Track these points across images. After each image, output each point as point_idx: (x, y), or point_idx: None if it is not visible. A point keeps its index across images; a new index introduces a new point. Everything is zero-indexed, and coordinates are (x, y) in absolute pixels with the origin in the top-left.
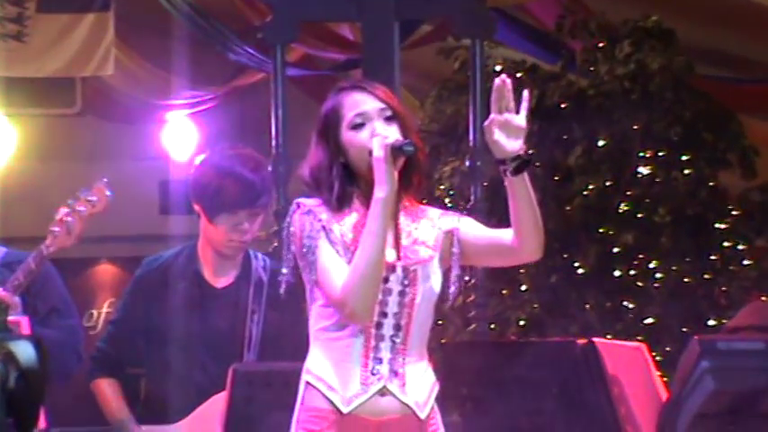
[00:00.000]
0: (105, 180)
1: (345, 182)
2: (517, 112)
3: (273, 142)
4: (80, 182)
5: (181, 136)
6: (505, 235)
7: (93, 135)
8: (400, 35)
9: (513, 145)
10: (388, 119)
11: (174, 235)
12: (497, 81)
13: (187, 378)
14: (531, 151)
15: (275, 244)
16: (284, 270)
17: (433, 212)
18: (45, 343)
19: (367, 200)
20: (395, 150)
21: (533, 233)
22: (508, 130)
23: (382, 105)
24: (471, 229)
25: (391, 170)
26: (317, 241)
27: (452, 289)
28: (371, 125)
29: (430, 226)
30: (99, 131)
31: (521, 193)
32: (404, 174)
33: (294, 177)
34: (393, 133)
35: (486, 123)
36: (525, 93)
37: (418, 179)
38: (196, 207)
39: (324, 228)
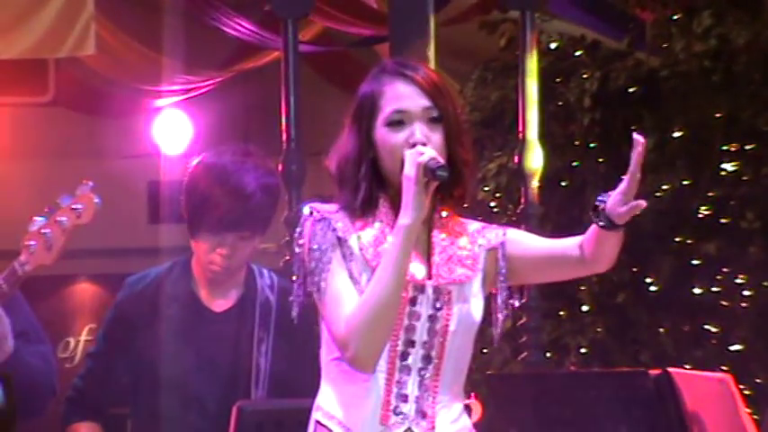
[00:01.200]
0: (91, 184)
1: (373, 184)
2: None
3: (284, 136)
4: (51, 183)
5: (173, 129)
6: (569, 246)
7: (67, 128)
8: (435, 4)
9: (630, 200)
10: (432, 120)
11: (166, 248)
12: (639, 142)
13: (181, 420)
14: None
15: (287, 257)
16: (296, 289)
17: (474, 226)
18: (17, 369)
19: (394, 211)
20: (427, 172)
21: (613, 254)
22: (631, 189)
23: (428, 104)
24: (521, 240)
25: (422, 194)
26: (328, 256)
27: (500, 316)
28: (411, 127)
29: (469, 242)
30: (75, 124)
31: (617, 239)
32: (444, 184)
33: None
34: (436, 141)
35: (619, 195)
36: (640, 141)
37: (461, 192)
38: (184, 215)
39: (339, 239)
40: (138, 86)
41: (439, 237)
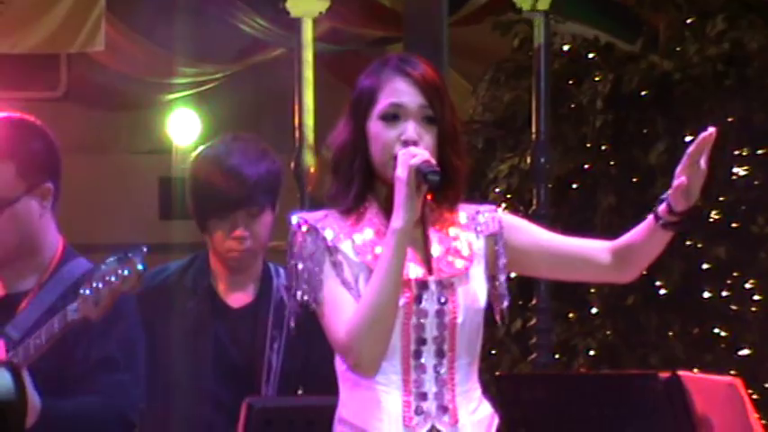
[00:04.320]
0: (145, 249)
1: (366, 181)
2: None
3: (297, 133)
4: (63, 179)
5: (185, 124)
6: (596, 249)
7: (78, 123)
8: (449, 6)
9: (694, 196)
10: (427, 119)
11: (177, 244)
12: (705, 134)
13: (196, 414)
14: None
15: None
16: (290, 301)
17: (465, 213)
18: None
19: (385, 211)
20: (419, 175)
21: (646, 262)
22: (692, 178)
23: (424, 102)
24: (527, 230)
25: (413, 197)
26: (321, 267)
27: (504, 303)
28: (405, 124)
29: (463, 230)
30: (86, 119)
31: (663, 242)
32: (435, 188)
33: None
34: (428, 141)
35: (679, 182)
36: (712, 130)
37: (454, 195)
38: (191, 213)
39: (328, 248)
40: (149, 80)
41: (433, 231)
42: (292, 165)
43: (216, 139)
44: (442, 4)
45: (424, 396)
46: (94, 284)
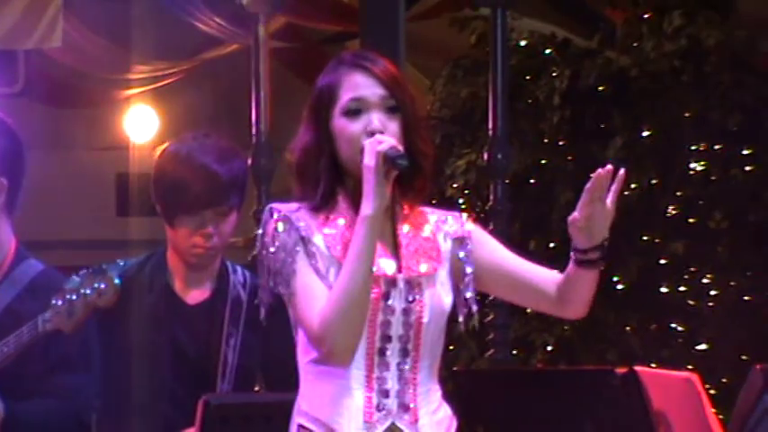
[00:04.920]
0: (122, 264)
1: (333, 177)
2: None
3: (254, 129)
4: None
5: (142, 120)
6: (548, 280)
7: (35, 120)
8: (406, 1)
9: (600, 235)
10: (390, 109)
11: (135, 240)
12: (601, 171)
13: (153, 410)
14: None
15: (255, 252)
16: (261, 291)
17: (435, 216)
18: (29, 418)
19: (354, 204)
20: (387, 161)
21: (585, 303)
22: (597, 217)
23: (385, 92)
24: (491, 248)
25: (382, 183)
26: (294, 257)
27: (465, 311)
28: (368, 115)
29: (432, 232)
30: (43, 115)
31: (587, 280)
32: (404, 176)
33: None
34: (393, 130)
35: (572, 217)
36: (621, 172)
37: (422, 184)
38: (157, 207)
39: (302, 238)
40: (106, 77)
41: (403, 230)
42: (249, 161)
43: (184, 136)
44: (398, 0)
45: (386, 393)
46: (68, 296)
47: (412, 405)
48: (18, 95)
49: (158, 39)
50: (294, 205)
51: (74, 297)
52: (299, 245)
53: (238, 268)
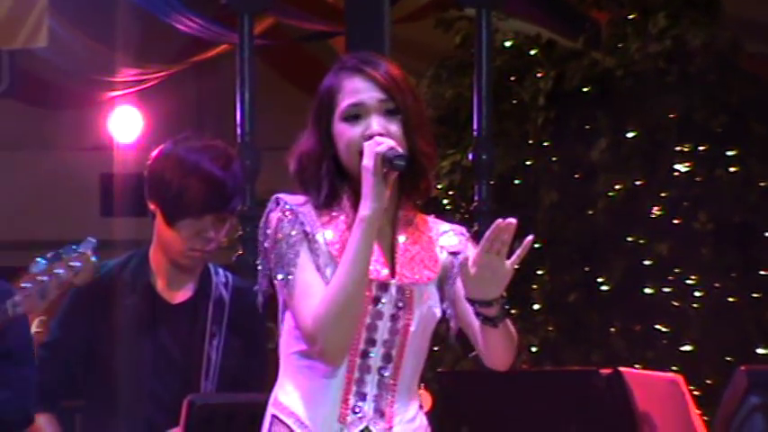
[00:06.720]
0: (94, 241)
1: (336, 181)
2: (508, 256)
3: (238, 130)
4: (4, 175)
5: (127, 121)
6: (477, 332)
7: (20, 120)
8: (391, 1)
9: (492, 291)
10: (390, 112)
11: (119, 240)
12: (501, 222)
13: (136, 411)
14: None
15: (239, 252)
16: (260, 279)
17: (437, 226)
18: None
19: (357, 206)
20: (385, 162)
21: (502, 361)
22: (492, 271)
23: (383, 96)
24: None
25: (381, 184)
26: (296, 249)
27: (453, 324)
28: (368, 120)
29: (431, 242)
30: (28, 115)
31: (494, 337)
32: (406, 176)
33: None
34: (394, 132)
35: (462, 260)
36: (529, 238)
37: (426, 185)
38: (152, 206)
39: (306, 234)
40: (91, 78)
41: (402, 236)
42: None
43: (183, 138)
44: (383, 0)
45: (363, 396)
46: (39, 278)
47: (387, 411)
48: (2, 96)
49: (145, 42)
50: (301, 198)
51: (45, 278)
52: (302, 239)
53: (220, 270)
